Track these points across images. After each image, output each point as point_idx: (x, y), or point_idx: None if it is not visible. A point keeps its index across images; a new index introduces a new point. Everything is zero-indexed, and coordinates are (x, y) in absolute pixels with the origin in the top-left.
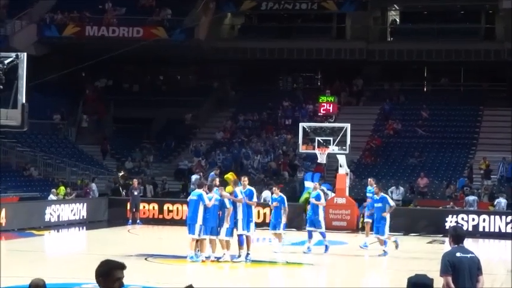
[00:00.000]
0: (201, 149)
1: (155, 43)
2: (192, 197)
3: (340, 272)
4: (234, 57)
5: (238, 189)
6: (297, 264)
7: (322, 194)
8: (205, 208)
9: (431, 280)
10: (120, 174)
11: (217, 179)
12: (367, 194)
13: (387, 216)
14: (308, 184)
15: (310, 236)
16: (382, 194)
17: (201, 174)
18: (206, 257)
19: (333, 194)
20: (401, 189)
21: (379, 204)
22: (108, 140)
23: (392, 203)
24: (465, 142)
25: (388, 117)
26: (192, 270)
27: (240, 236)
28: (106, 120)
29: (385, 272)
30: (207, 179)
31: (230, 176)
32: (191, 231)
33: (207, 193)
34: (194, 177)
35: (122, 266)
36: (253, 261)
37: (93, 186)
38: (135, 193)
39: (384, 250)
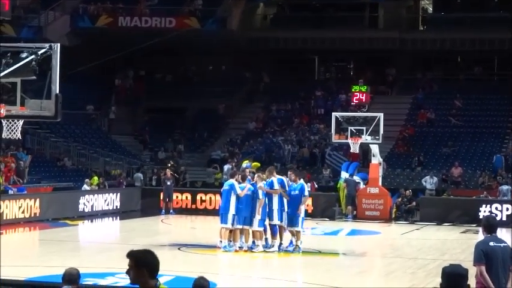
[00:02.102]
0: (237, 141)
1: (188, 33)
2: (224, 187)
3: (374, 262)
4: (267, 47)
5: (275, 179)
6: (330, 254)
7: (285, 180)
8: (238, 198)
9: (466, 270)
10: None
11: (248, 170)
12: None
13: (302, 208)
14: (343, 174)
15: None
16: (300, 181)
17: (233, 164)
18: (239, 247)
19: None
20: (435, 178)
21: (296, 192)
22: (141, 131)
23: (306, 193)
24: (499, 131)
25: (421, 106)
26: (225, 260)
27: (273, 226)
28: (139, 110)
29: (419, 262)
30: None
31: (256, 165)
32: (223, 221)
33: (239, 183)
34: (226, 167)
35: None
36: (286, 251)
37: (140, 176)
38: (168, 183)
39: (297, 245)
